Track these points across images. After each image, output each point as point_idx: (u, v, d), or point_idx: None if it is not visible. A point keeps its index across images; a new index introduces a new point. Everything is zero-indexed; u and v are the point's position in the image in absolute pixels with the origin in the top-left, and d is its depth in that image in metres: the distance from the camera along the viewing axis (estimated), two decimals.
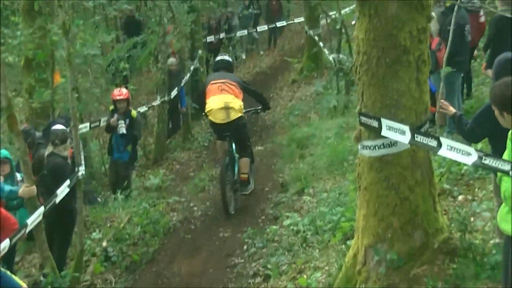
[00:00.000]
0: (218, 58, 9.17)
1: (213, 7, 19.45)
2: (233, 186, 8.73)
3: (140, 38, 15.34)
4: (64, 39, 7.15)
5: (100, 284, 8.07)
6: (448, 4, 7.77)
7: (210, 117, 8.43)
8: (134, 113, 10.00)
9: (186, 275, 7.71)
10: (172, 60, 13.18)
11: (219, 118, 8.29)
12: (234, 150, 8.71)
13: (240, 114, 8.36)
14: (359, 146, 5.45)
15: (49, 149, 7.78)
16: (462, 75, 8.88)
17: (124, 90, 10.26)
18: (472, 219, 6.36)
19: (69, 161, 8.02)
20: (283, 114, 14.45)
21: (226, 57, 9.17)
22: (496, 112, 4.28)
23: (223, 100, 8.22)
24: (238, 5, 20.14)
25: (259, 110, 9.34)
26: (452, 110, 5.74)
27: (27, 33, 8.40)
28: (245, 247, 7.94)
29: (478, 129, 5.27)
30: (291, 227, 8.06)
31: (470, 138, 5.58)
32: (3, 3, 11.00)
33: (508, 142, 4.32)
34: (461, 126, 5.46)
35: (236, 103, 8.31)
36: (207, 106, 8.38)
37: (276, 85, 17.05)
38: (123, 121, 9.65)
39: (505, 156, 4.35)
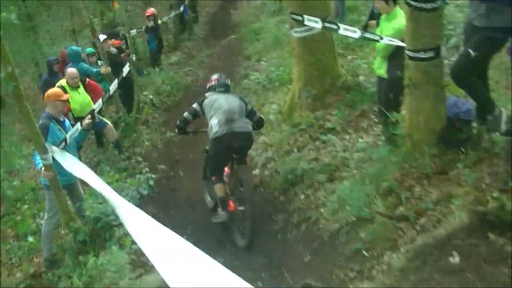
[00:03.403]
0: None
1: None
2: None
3: None
4: None
5: (150, 120, 9.26)
6: None
7: None
8: (158, 21, 12.59)
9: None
10: None
11: None
12: None
13: None
14: (292, 32, 6.23)
15: (112, 50, 9.53)
16: None
17: (152, 9, 13.03)
18: (357, 69, 7.35)
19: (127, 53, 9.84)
20: (244, 17, 17.73)
21: None
22: None
23: None
24: None
25: None
26: None
27: None
28: None
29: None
30: (255, 80, 9.50)
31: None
32: None
33: (380, 21, 5.11)
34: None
35: None
36: None
37: (236, 5, 20.30)
38: (152, 21, 12.42)
39: (377, 31, 5.03)
